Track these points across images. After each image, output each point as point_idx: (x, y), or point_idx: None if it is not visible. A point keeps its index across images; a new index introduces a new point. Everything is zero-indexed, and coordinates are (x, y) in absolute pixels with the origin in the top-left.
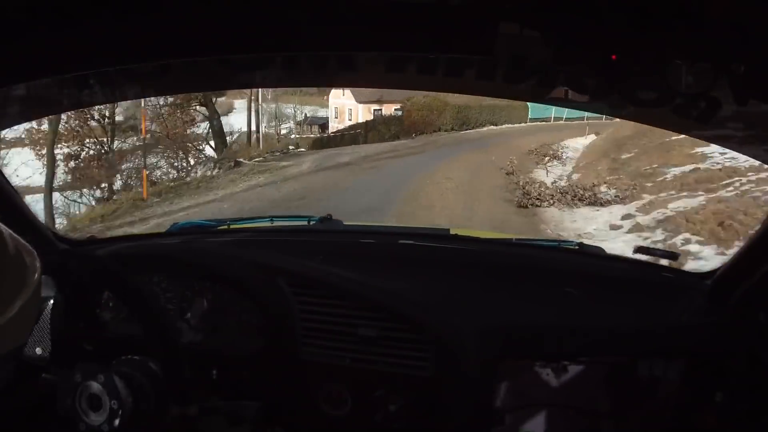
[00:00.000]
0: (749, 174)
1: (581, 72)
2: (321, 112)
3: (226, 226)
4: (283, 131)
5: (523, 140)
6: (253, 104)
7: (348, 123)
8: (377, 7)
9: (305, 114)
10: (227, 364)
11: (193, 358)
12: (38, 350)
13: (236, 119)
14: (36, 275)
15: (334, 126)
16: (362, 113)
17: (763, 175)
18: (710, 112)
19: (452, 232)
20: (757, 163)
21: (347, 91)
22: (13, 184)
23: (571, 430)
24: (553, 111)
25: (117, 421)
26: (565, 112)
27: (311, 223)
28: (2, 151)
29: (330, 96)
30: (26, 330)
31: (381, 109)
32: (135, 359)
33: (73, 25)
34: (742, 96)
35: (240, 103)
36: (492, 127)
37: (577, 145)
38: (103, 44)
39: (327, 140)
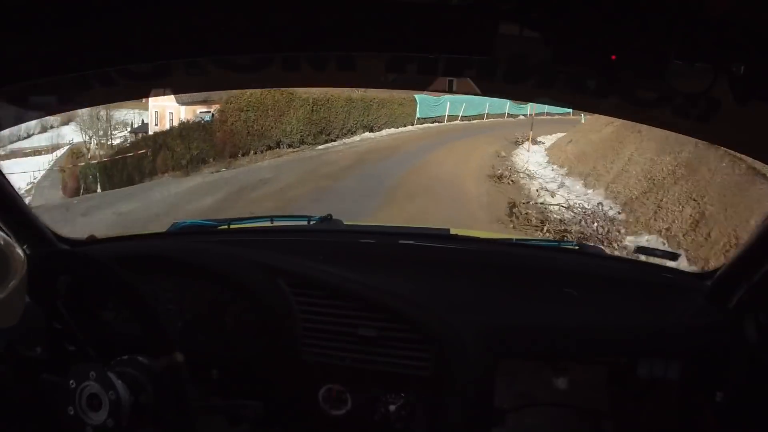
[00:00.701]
0: None
1: (581, 72)
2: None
3: (226, 226)
4: (117, 140)
5: (445, 162)
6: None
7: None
8: (377, 7)
9: (142, 120)
10: (227, 364)
11: (193, 358)
12: (38, 350)
13: (69, 130)
14: (23, 267)
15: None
16: (185, 117)
17: None
18: (710, 112)
19: (452, 232)
20: None
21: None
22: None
23: (571, 430)
24: (447, 107)
25: (117, 421)
26: (462, 109)
27: (311, 223)
28: None
29: (150, 98)
30: (13, 314)
31: (210, 111)
32: (134, 359)
33: (73, 25)
34: (742, 96)
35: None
36: (368, 134)
37: (551, 171)
38: (103, 44)
39: (110, 166)
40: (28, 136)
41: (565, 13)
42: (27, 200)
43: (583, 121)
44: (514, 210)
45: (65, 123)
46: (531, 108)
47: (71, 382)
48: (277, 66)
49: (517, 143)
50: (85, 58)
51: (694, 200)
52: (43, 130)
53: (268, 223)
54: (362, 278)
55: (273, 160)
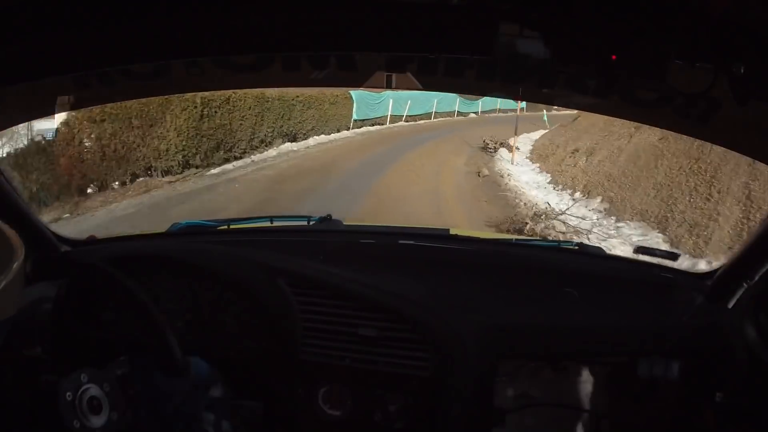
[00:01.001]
0: None
1: (581, 72)
2: None
3: (226, 227)
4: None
5: (408, 196)
6: None
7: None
8: (377, 7)
9: None
10: (227, 364)
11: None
12: (38, 350)
13: None
14: (21, 250)
15: None
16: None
17: None
18: (710, 112)
19: (452, 232)
20: None
21: None
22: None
23: (571, 430)
24: (390, 106)
25: (117, 424)
26: (407, 108)
27: (311, 223)
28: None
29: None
30: (12, 303)
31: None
32: (135, 360)
33: (73, 25)
34: (742, 96)
35: None
36: (288, 145)
37: (571, 200)
38: (103, 44)
39: None
40: None
41: (565, 13)
42: None
43: (545, 118)
44: None
45: None
46: (481, 104)
47: (76, 379)
48: (277, 66)
49: (488, 150)
50: (85, 58)
51: None
52: None
53: (267, 223)
54: (362, 278)
55: (136, 198)
